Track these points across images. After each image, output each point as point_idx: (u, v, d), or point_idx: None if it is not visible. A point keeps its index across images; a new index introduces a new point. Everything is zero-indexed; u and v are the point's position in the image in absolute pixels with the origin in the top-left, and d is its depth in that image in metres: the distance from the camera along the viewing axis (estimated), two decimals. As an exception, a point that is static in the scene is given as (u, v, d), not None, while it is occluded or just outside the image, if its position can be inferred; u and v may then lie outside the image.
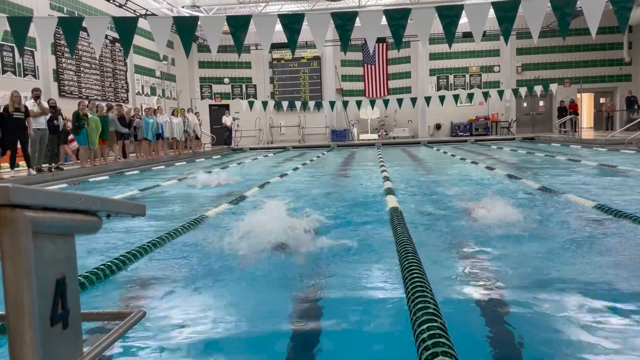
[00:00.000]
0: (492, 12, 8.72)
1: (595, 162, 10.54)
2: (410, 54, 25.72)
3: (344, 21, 8.92)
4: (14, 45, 11.95)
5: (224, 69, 25.90)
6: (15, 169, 10.72)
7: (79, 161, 13.06)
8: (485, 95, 21.78)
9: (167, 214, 6.13)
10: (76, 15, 15.50)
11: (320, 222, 4.80)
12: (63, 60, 15.83)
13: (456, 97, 21.49)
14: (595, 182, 7.67)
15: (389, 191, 6.82)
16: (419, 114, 25.12)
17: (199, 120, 20.59)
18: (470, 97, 22.33)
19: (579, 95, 21.00)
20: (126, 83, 19.99)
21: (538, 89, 20.43)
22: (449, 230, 4.60)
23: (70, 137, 13.11)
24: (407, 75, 26.44)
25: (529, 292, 2.89)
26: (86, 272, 3.30)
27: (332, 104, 22.04)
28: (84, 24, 9.36)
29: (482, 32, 8.98)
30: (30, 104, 10.65)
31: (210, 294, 3.05)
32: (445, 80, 26.00)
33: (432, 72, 25.94)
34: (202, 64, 25.76)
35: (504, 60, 25.13)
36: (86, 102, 13.19)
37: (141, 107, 18.56)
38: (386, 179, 8.41)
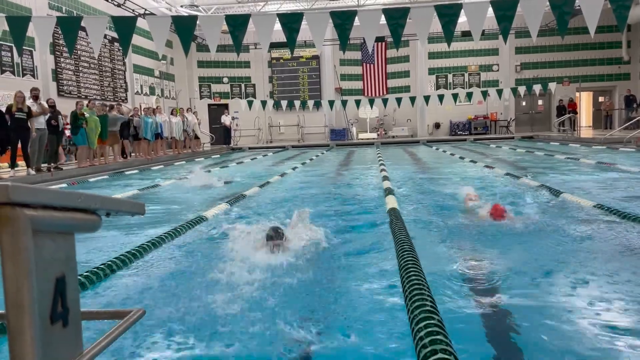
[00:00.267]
0: (491, 11, 8.72)
1: (594, 160, 10.56)
2: (409, 53, 25.72)
3: (342, 20, 8.92)
4: (13, 45, 11.93)
5: (223, 69, 25.89)
6: (15, 168, 10.71)
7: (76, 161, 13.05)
8: (484, 94, 21.79)
9: (167, 213, 6.13)
10: (75, 15, 15.48)
11: (318, 220, 4.80)
12: (62, 59, 15.81)
13: (455, 96, 21.50)
14: (594, 181, 7.68)
15: (389, 191, 6.82)
16: (418, 113, 25.12)
17: (198, 119, 20.58)
18: (469, 96, 22.34)
19: (577, 94, 21.00)
20: (125, 83, 19.98)
21: (537, 88, 20.42)
22: (448, 228, 4.61)
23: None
24: (406, 74, 26.44)
25: (527, 290, 2.90)
26: (86, 272, 3.30)
27: (331, 103, 22.04)
28: (82, 24, 9.34)
29: (481, 31, 8.98)
30: (29, 104, 10.65)
31: (210, 293, 3.06)
32: (444, 79, 26.01)
33: (431, 71, 25.95)
34: (201, 64, 25.75)
35: (503, 59, 25.14)
36: (84, 102, 13.18)
37: (140, 106, 18.54)
38: (385, 178, 8.42)
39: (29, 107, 10.34)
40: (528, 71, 24.93)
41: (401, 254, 3.37)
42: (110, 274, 3.44)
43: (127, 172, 12.37)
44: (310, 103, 22.90)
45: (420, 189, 7.55)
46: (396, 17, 8.95)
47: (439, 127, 25.89)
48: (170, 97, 24.23)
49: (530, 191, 6.66)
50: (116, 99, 18.54)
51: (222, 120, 23.16)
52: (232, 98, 25.79)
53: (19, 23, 9.55)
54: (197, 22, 9.39)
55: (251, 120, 25.31)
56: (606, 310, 2.58)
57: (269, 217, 4.86)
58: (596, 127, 24.52)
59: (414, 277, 2.79)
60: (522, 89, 20.76)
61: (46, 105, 11.32)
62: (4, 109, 10.31)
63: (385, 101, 22.10)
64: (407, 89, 26.01)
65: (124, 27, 9.24)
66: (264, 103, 22.52)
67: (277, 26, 8.97)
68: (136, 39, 17.96)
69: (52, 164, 11.60)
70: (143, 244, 4.11)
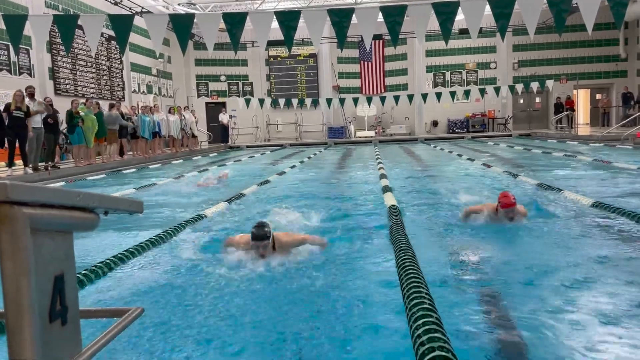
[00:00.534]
0: (488, 8, 8.72)
1: (591, 158, 10.58)
2: (406, 50, 25.70)
3: (340, 18, 8.91)
4: (9, 43, 11.87)
5: (221, 67, 25.82)
6: (12, 167, 10.67)
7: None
8: (482, 91, 21.78)
9: (166, 212, 6.12)
10: (71, 13, 15.43)
11: (317, 219, 4.80)
12: (59, 58, 15.75)
13: (453, 94, 21.48)
14: (593, 178, 7.70)
15: (386, 189, 6.83)
16: (416, 110, 25.12)
17: (195, 118, 20.53)
18: (466, 93, 22.33)
19: (575, 92, 21.00)
20: (122, 81, 19.91)
21: (534, 86, 20.40)
22: (446, 226, 4.61)
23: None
24: (403, 72, 26.42)
25: (525, 288, 2.91)
26: (85, 270, 3.30)
27: (328, 101, 22.02)
28: (79, 22, 9.30)
29: (479, 29, 8.98)
30: (27, 103, 10.61)
31: (209, 292, 3.06)
32: (442, 77, 26.00)
33: (429, 69, 25.93)
34: (199, 62, 25.68)
35: (501, 56, 25.14)
36: (80, 100, 13.13)
37: (137, 105, 18.49)
38: (383, 176, 8.42)
39: (27, 107, 10.31)
40: (525, 69, 24.94)
41: (399, 253, 3.38)
42: (108, 272, 3.44)
43: (124, 171, 12.35)
44: (308, 101, 22.86)
45: (417, 187, 7.55)
46: (394, 15, 8.94)
47: (437, 125, 25.89)
48: (167, 95, 24.17)
49: (529, 189, 6.67)
50: (113, 98, 18.48)
51: (220, 119, 23.12)
52: (229, 96, 25.74)
53: (16, 21, 9.50)
54: (195, 20, 9.35)
55: (249, 119, 25.27)
56: (605, 310, 2.59)
57: (265, 216, 4.86)
58: (593, 125, 24.54)
59: (412, 275, 2.80)
60: (519, 87, 20.77)
61: (45, 104, 11.28)
62: (1, 108, 10.27)
63: (383, 99, 22.09)
64: (404, 86, 26.00)
65: (121, 25, 9.21)
66: (261, 101, 22.48)
67: (275, 24, 8.96)
68: (133, 37, 17.88)
69: (50, 163, 11.57)
70: (141, 243, 4.11)
